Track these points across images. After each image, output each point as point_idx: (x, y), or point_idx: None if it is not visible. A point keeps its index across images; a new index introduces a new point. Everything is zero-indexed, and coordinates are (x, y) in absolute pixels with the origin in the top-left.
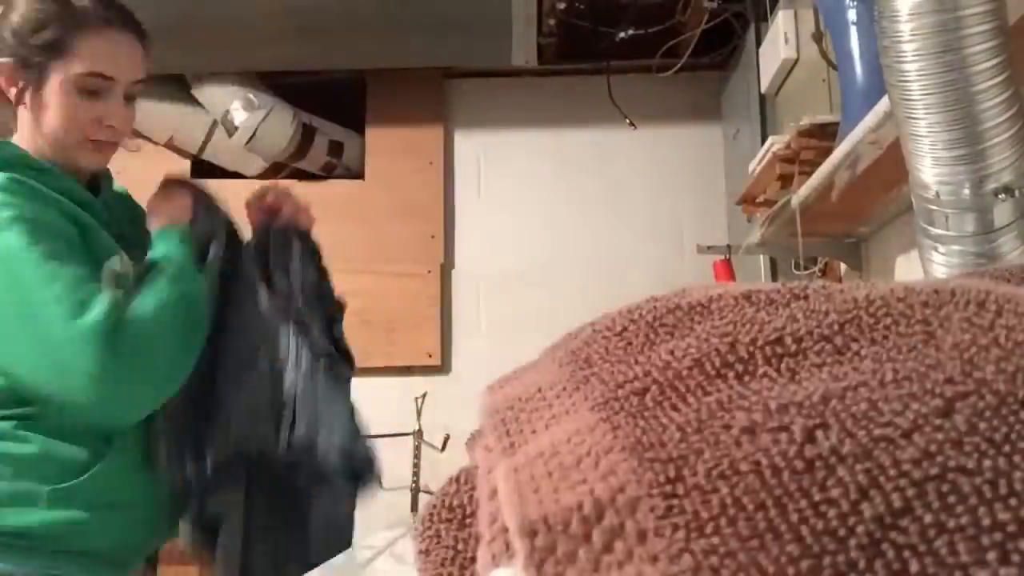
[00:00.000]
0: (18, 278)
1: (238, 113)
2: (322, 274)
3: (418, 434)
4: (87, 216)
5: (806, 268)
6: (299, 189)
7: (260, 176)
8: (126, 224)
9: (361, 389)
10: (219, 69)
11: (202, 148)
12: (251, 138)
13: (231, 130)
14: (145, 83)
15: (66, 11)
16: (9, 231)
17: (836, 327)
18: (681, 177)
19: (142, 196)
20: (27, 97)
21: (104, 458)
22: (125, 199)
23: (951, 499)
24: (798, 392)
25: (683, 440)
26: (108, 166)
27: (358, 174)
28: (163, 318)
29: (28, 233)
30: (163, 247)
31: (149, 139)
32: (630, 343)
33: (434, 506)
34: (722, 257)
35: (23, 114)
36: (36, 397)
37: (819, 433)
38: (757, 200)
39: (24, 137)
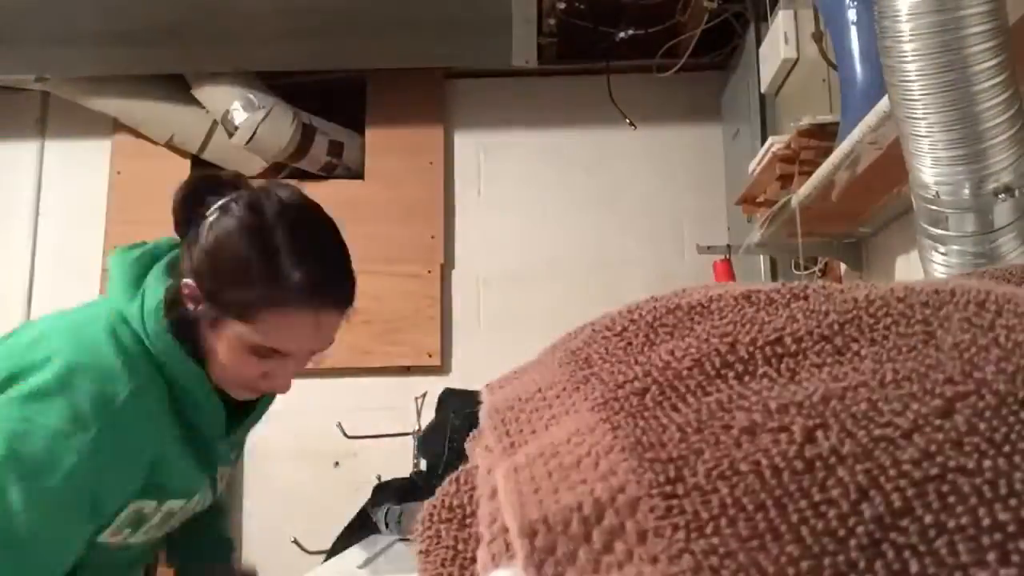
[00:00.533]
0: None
1: (238, 113)
2: None
3: (418, 434)
4: (179, 430)
5: (806, 268)
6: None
7: (260, 176)
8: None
9: (361, 389)
10: (219, 69)
11: (202, 148)
12: (251, 138)
13: (231, 130)
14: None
15: (268, 279)
16: (55, 416)
17: (836, 327)
18: (681, 177)
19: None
20: (203, 320)
21: None
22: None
23: (951, 499)
24: (798, 392)
25: (683, 440)
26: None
27: (358, 174)
28: None
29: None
30: None
31: (149, 139)
32: (630, 343)
33: (434, 506)
34: (722, 257)
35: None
36: None
37: (819, 433)
38: (757, 200)
39: (198, 340)
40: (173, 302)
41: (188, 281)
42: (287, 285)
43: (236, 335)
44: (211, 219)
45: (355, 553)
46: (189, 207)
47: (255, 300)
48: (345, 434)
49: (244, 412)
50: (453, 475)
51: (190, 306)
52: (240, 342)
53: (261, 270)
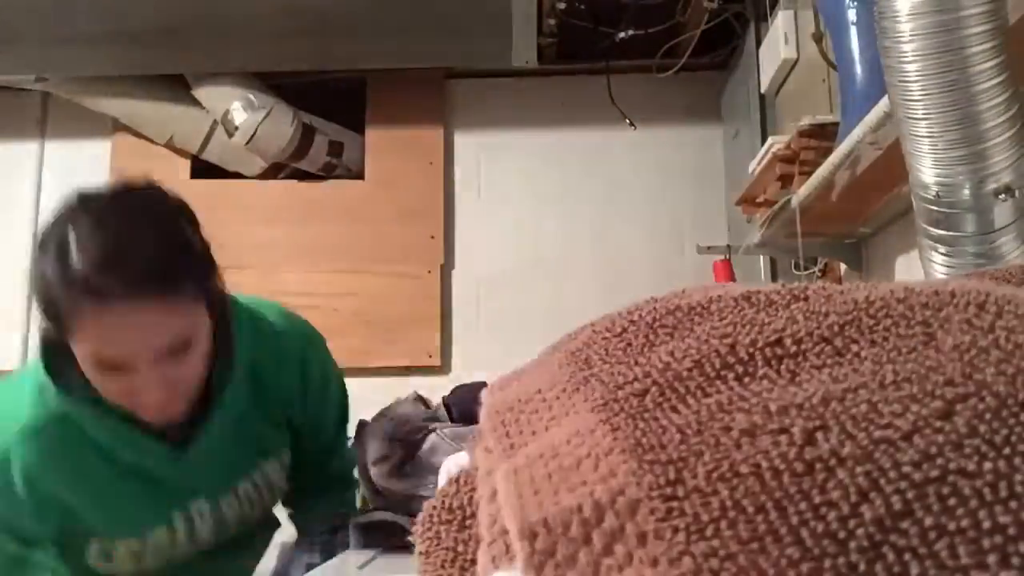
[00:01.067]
0: None
1: (238, 113)
2: None
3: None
4: (116, 474)
5: (806, 268)
6: (299, 189)
7: (260, 176)
8: (215, 450)
9: (361, 389)
10: (219, 69)
11: (202, 148)
12: (251, 138)
13: (231, 130)
14: (184, 344)
15: (64, 283)
16: None
17: (836, 328)
18: (681, 177)
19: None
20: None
21: None
22: (269, 376)
23: (951, 501)
24: (798, 394)
25: (683, 442)
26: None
27: (358, 174)
28: None
29: None
30: None
31: (149, 139)
32: (630, 344)
33: (434, 508)
34: (722, 257)
35: None
36: None
37: (819, 435)
38: (757, 200)
39: None
40: (47, 343)
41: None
42: (80, 284)
43: (79, 356)
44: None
45: (355, 554)
46: None
47: (62, 314)
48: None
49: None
50: (453, 476)
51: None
52: (85, 362)
53: (57, 279)
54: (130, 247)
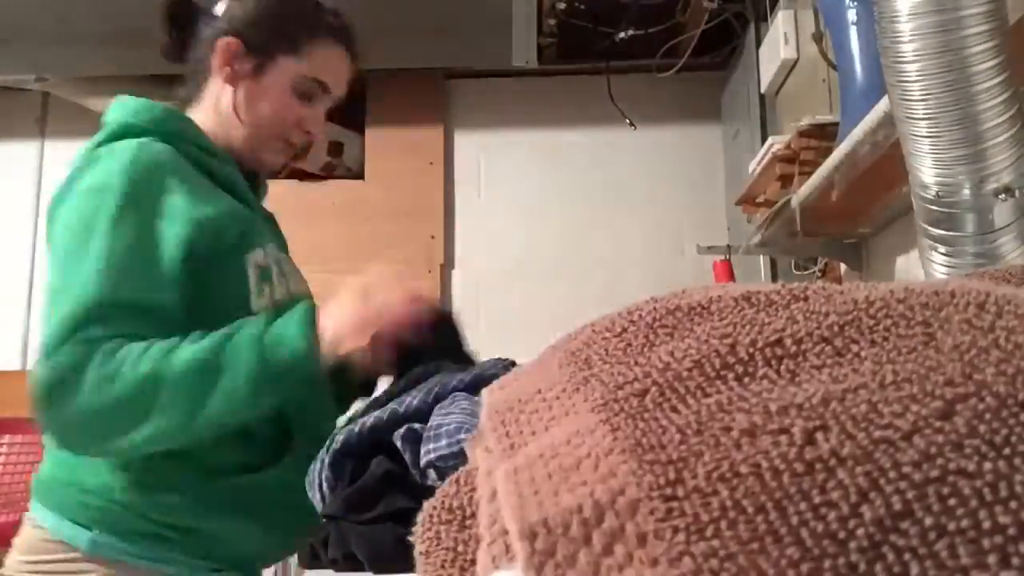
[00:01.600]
0: (65, 249)
1: None
2: None
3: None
4: (243, 207)
5: (806, 268)
6: (299, 189)
7: None
8: (278, 235)
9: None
10: None
11: None
12: None
13: None
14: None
15: (311, 13)
16: (94, 199)
17: (836, 329)
18: (681, 177)
19: None
20: (240, 79)
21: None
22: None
23: (951, 502)
24: (798, 394)
25: (683, 442)
26: None
27: (358, 174)
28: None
29: (106, 213)
30: (289, 337)
31: None
32: (630, 344)
33: (434, 507)
34: (722, 257)
35: (221, 93)
36: None
37: (819, 435)
38: (757, 200)
39: (207, 114)
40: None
41: (228, 39)
42: (326, 23)
43: (284, 73)
44: None
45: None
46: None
47: (303, 33)
48: None
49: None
50: (453, 476)
51: (226, 68)
52: (287, 80)
53: (304, 9)
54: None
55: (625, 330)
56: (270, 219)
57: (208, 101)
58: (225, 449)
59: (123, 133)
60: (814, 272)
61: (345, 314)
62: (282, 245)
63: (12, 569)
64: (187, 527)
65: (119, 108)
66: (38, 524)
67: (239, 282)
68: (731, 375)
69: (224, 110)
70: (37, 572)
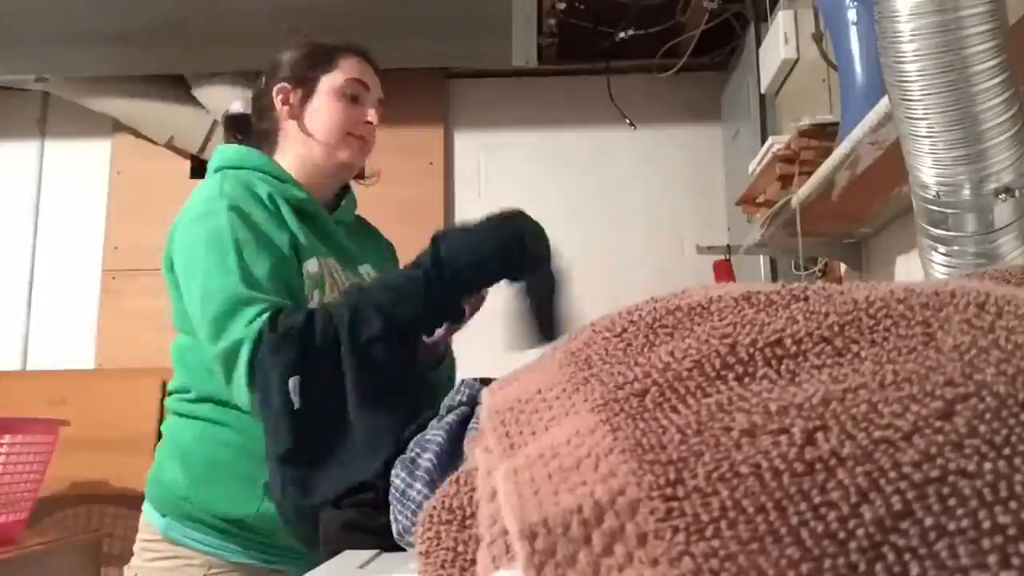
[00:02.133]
0: (200, 267)
1: None
2: None
3: None
4: (298, 224)
5: (806, 268)
6: None
7: None
8: (358, 246)
9: None
10: (219, 69)
11: (202, 148)
12: None
13: None
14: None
15: (328, 42)
16: (215, 218)
17: (836, 329)
18: (681, 177)
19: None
20: (299, 109)
21: None
22: (365, 227)
23: (951, 502)
24: (798, 394)
25: (683, 442)
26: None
27: (358, 174)
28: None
29: (228, 224)
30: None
31: (149, 139)
32: (630, 344)
33: (434, 507)
34: (722, 257)
35: (289, 129)
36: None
37: (819, 435)
38: (757, 200)
39: (286, 149)
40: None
41: (279, 84)
42: (341, 44)
43: (328, 87)
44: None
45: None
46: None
47: (328, 53)
48: None
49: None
50: (453, 476)
51: (285, 107)
52: (334, 90)
53: (322, 42)
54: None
55: (625, 330)
56: (360, 231)
57: (283, 143)
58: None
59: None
60: (814, 272)
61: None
62: (354, 256)
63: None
64: (239, 521)
65: (217, 155)
66: (143, 515)
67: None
68: (731, 375)
69: (297, 138)
70: (139, 547)
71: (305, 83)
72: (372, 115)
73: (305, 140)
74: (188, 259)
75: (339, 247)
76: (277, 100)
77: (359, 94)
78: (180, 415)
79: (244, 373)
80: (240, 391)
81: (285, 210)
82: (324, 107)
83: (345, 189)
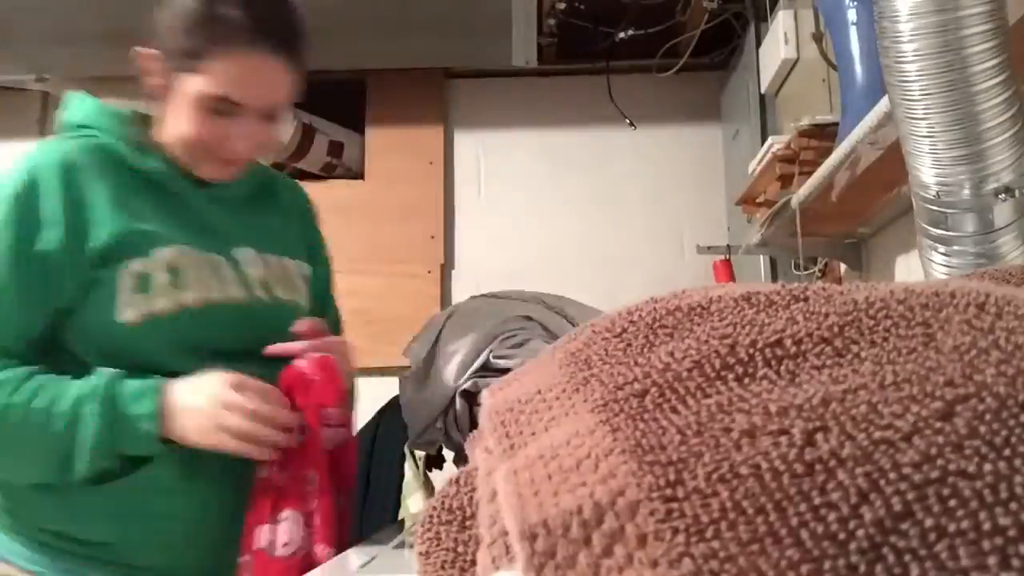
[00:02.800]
0: None
1: None
2: None
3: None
4: (151, 203)
5: (806, 268)
6: None
7: None
8: (237, 225)
9: (361, 389)
10: None
11: None
12: None
13: None
14: (280, 111)
15: (210, 22)
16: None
17: (836, 329)
18: (681, 177)
19: None
20: (163, 90)
21: (135, 471)
22: (264, 198)
23: (951, 503)
24: (798, 395)
25: (683, 443)
26: None
27: (358, 174)
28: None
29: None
30: (142, 405)
31: None
32: (630, 344)
33: (434, 508)
34: (722, 257)
35: (151, 106)
36: None
37: (819, 436)
38: (757, 200)
39: (159, 121)
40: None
41: (142, 49)
42: (227, 26)
43: (192, 92)
44: None
45: (355, 554)
46: None
47: (201, 46)
48: None
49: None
50: (453, 476)
51: (151, 79)
52: (196, 100)
53: (203, 14)
54: (284, 10)
55: (625, 330)
56: (255, 205)
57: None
58: None
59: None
60: (814, 272)
61: (198, 414)
62: (227, 236)
63: None
64: (74, 537)
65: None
66: None
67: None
68: (731, 376)
69: (164, 118)
70: None
71: (172, 66)
72: (243, 139)
73: (168, 127)
74: None
75: (200, 227)
76: (143, 65)
77: (227, 111)
78: None
79: None
80: None
81: (136, 184)
82: (183, 112)
83: None
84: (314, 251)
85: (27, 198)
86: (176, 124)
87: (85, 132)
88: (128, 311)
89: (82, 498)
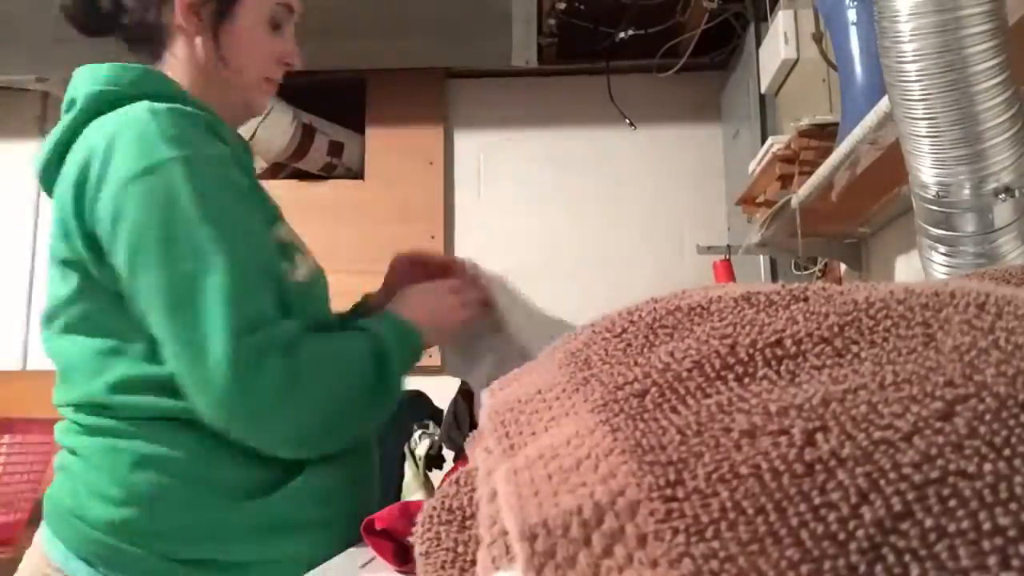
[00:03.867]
0: (182, 239)
1: None
2: None
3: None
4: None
5: (806, 268)
6: (299, 189)
7: (260, 176)
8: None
9: None
10: None
11: None
12: (251, 138)
13: None
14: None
15: None
16: (177, 172)
17: (836, 329)
18: (681, 177)
19: None
20: (210, 30)
21: (286, 481)
22: None
23: (952, 503)
24: (798, 395)
25: (683, 443)
26: None
27: (358, 174)
28: (330, 385)
29: (202, 180)
30: (391, 333)
31: None
32: (630, 344)
33: (434, 508)
34: (722, 257)
35: (192, 49)
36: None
37: (819, 436)
38: (757, 200)
39: (176, 71)
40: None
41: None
42: None
43: (252, 10)
44: None
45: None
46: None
47: None
48: None
49: None
50: (453, 476)
51: (192, 18)
52: (259, 15)
53: None
54: None
55: (625, 330)
56: None
57: (173, 62)
58: (239, 465)
59: (111, 102)
60: (814, 272)
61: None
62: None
63: None
64: (211, 560)
65: (88, 78)
66: (45, 553)
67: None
68: (731, 376)
69: (201, 64)
70: None
71: (207, 12)
72: (294, 53)
73: (209, 69)
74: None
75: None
76: (178, 6)
77: (283, 22)
78: (103, 433)
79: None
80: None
81: (238, 154)
82: (245, 35)
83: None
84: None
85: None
86: (235, 57)
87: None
88: (298, 271)
89: (231, 514)
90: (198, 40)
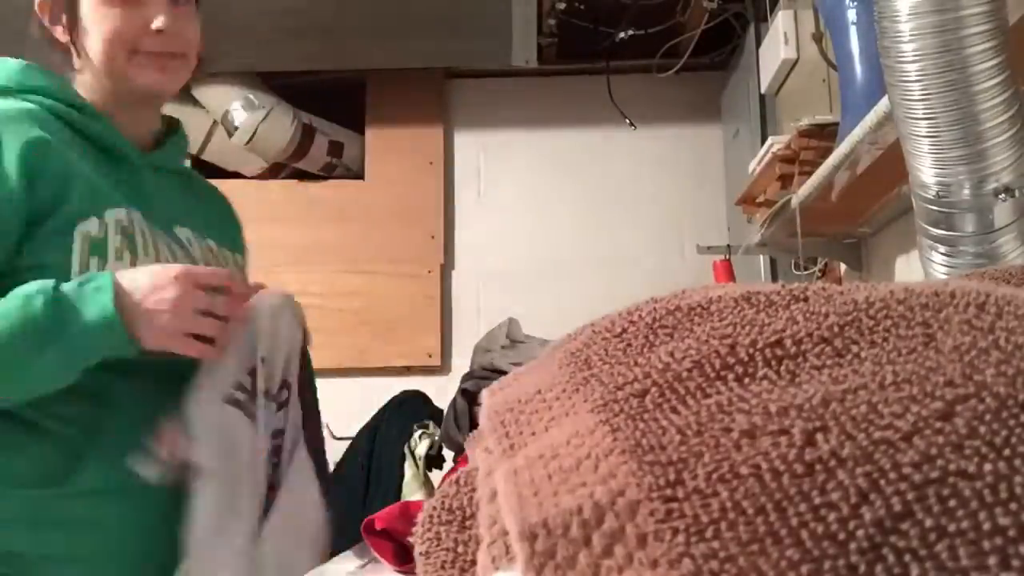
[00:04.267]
0: None
1: (238, 113)
2: None
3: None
4: (95, 165)
5: (806, 268)
6: (299, 189)
7: (260, 176)
8: (178, 203)
9: (361, 389)
10: (219, 69)
11: (202, 148)
12: (251, 138)
13: (231, 130)
14: None
15: None
16: None
17: (836, 329)
18: (681, 177)
19: None
20: (67, 23)
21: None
22: (196, 183)
23: (952, 503)
24: (798, 395)
25: (683, 443)
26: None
27: (358, 174)
28: None
29: None
30: (93, 308)
31: None
32: (630, 344)
33: (434, 508)
34: (722, 257)
35: (69, 51)
36: None
37: (819, 436)
38: (757, 200)
39: (81, 70)
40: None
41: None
42: None
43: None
44: None
45: (355, 554)
46: None
47: None
48: (333, 436)
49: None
50: (453, 476)
51: (57, 28)
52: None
53: None
54: None
55: (625, 330)
56: (189, 186)
57: (76, 63)
58: (12, 453)
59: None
60: (814, 272)
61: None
62: (171, 213)
63: None
64: None
65: None
66: None
67: (62, 252)
68: (731, 376)
69: (75, 60)
70: None
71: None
72: (162, 16)
73: (81, 60)
74: None
75: (148, 198)
76: (43, 17)
77: None
78: None
79: None
80: None
81: (82, 147)
82: (91, 24)
83: (172, 130)
84: (239, 251)
85: None
86: (93, 47)
87: (22, 96)
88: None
89: (2, 502)
90: (64, 39)
